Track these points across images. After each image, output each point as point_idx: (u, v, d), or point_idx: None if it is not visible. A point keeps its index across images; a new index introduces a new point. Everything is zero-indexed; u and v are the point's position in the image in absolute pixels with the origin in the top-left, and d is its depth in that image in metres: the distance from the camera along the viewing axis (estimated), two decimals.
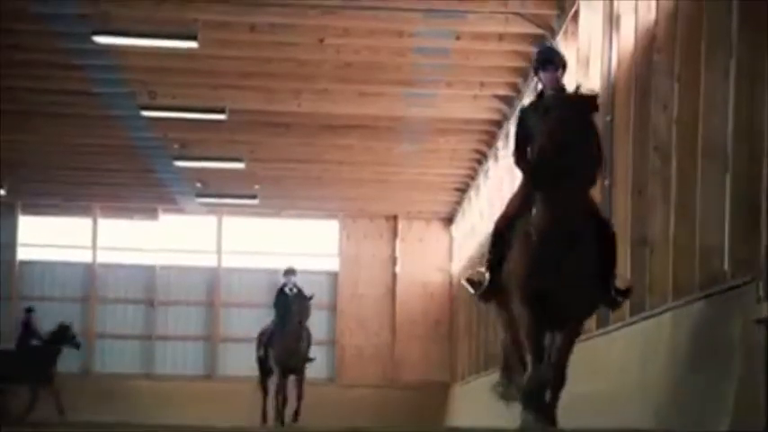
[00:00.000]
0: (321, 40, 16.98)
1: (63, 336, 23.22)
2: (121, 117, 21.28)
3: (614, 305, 8.46)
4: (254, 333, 29.89)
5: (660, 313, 9.49)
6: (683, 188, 9.49)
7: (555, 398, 8.34)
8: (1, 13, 16.32)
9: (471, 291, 8.71)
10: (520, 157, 8.46)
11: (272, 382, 20.03)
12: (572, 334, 8.24)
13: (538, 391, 8.20)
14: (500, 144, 21.41)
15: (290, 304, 19.35)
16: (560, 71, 8.30)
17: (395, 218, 29.82)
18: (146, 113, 20.51)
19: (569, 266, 7.95)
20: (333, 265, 29.96)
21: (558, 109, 7.95)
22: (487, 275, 8.52)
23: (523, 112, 8.51)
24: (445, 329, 29.42)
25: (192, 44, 16.59)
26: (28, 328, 23.57)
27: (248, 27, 16.75)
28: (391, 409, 28.22)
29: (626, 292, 8.44)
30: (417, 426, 25.81)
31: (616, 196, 11.82)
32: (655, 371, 9.35)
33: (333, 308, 29.78)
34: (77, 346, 23.41)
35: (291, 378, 19.65)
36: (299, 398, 19.45)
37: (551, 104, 8.08)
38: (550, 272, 7.98)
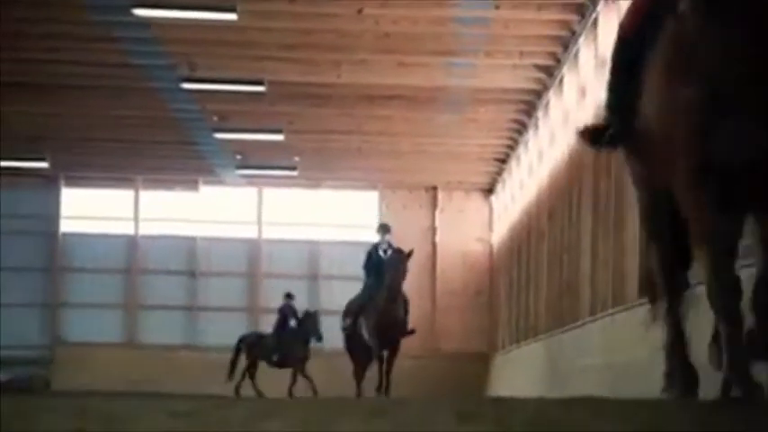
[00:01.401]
0: (360, 11, 16.94)
1: (309, 323, 23.27)
2: (162, 89, 21.35)
3: None
4: (296, 304, 30.17)
5: (701, 283, 9.43)
6: None
7: None
8: None
9: (586, 142, 5.92)
10: None
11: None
12: None
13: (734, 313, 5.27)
14: (540, 114, 21.33)
15: (384, 266, 16.61)
16: None
17: (434, 189, 29.80)
18: (186, 86, 20.57)
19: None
20: (373, 236, 29.99)
21: None
22: (613, 118, 5.64)
23: None
24: (485, 300, 29.42)
25: (232, 16, 16.61)
26: (286, 313, 24.03)
27: None
28: (431, 379, 28.28)
29: None
30: (458, 396, 25.83)
31: None
32: (696, 340, 9.29)
33: None
34: (320, 338, 23.41)
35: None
36: (388, 372, 16.98)
37: None
38: (734, 128, 4.93)
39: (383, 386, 17.05)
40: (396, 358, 17.05)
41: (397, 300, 16.51)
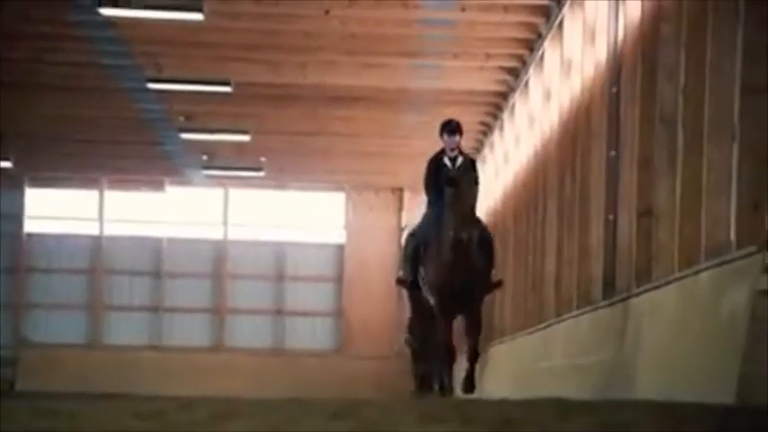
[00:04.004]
0: (327, 12, 16.93)
1: None
2: (128, 89, 21.28)
3: None
4: (261, 305, 30.22)
5: (666, 284, 9.52)
6: (689, 158, 9.50)
7: None
8: None
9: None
10: None
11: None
12: None
13: None
14: (505, 116, 21.40)
15: (451, 185, 10.66)
16: None
17: (401, 190, 29.83)
18: (152, 86, 20.51)
19: None
20: (339, 237, 30.01)
21: None
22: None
23: None
24: None
25: (198, 16, 16.56)
26: None
27: None
28: (397, 380, 28.31)
29: None
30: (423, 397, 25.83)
31: (622, 167, 11.82)
32: (660, 341, 9.37)
33: (338, 280, 29.84)
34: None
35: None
36: (472, 356, 10.97)
37: None
38: None
39: (447, 380, 11.04)
40: (478, 328, 11.00)
41: (468, 234, 10.47)
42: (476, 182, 10.95)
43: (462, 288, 10.80)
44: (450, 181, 10.61)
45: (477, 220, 11.07)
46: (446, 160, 11.09)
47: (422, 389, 11.93)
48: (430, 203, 11.16)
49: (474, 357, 11.21)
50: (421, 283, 11.14)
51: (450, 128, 11.13)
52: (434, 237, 10.85)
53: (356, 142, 25.00)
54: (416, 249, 11.14)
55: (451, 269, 10.70)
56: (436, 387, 11.38)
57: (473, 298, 11.01)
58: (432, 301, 11.08)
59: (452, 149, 11.08)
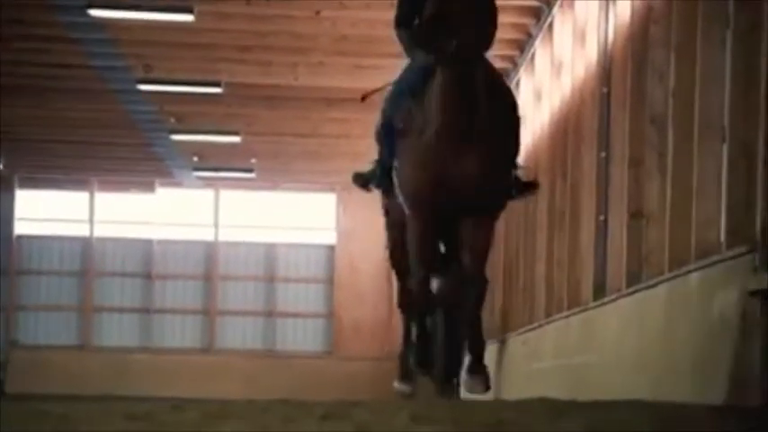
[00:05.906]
0: (317, 13, 16.95)
1: None
2: (118, 91, 21.28)
3: None
4: (252, 306, 30.24)
5: (656, 285, 9.54)
6: (679, 159, 9.52)
7: None
8: None
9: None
10: None
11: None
12: None
13: None
14: None
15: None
16: None
17: None
18: (142, 87, 20.51)
19: None
20: (330, 238, 30.01)
21: None
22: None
23: None
24: None
25: (188, 17, 16.58)
26: None
27: (244, 0, 16.74)
28: (389, 382, 28.32)
29: None
30: (416, 398, 25.87)
31: (612, 168, 11.85)
32: (650, 343, 9.39)
33: (330, 281, 29.85)
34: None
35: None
36: (471, 320, 7.59)
37: None
38: None
39: (473, 341, 7.43)
40: (485, 244, 7.24)
41: (476, 94, 7.00)
42: (492, 20, 6.64)
43: (462, 181, 6.32)
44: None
45: (497, 77, 6.87)
46: None
47: (403, 379, 7.88)
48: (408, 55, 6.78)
49: (474, 323, 6.67)
50: (395, 180, 6.64)
51: None
52: (415, 98, 6.57)
53: (347, 143, 25.02)
54: (387, 120, 6.88)
55: (441, 143, 6.26)
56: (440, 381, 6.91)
57: (482, 200, 6.44)
58: (406, 209, 6.66)
59: None
